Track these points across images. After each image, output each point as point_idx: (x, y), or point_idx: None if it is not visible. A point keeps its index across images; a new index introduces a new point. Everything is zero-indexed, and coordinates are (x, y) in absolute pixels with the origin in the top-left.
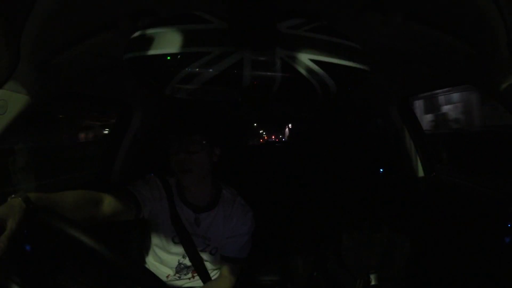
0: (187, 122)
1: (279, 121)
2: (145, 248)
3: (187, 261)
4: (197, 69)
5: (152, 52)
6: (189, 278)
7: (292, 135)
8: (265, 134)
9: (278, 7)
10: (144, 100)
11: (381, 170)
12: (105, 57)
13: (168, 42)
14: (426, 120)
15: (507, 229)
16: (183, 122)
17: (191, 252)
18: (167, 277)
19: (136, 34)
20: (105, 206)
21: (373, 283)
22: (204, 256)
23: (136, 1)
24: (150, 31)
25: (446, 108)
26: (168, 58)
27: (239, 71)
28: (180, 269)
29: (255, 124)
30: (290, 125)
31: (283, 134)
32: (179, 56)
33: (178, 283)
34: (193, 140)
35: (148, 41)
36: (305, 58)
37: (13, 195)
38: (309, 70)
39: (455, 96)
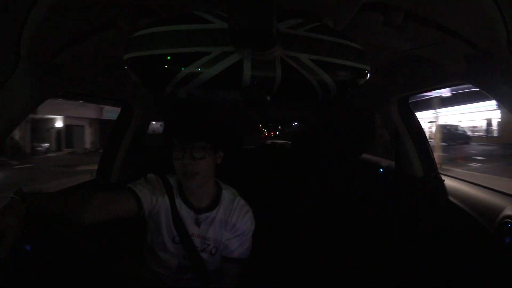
0: (192, 129)
1: (276, 123)
2: (145, 248)
3: (187, 261)
4: (197, 69)
5: (152, 52)
6: (189, 279)
7: (281, 132)
8: (265, 132)
9: (278, 7)
10: (144, 100)
11: (381, 170)
12: (105, 57)
13: (168, 42)
14: None
15: (507, 229)
16: (188, 129)
17: (191, 252)
18: (167, 277)
19: (136, 34)
20: (107, 205)
21: None
22: (204, 256)
23: (136, 1)
24: (150, 31)
25: None
26: (168, 58)
27: (239, 71)
28: (180, 269)
29: (260, 125)
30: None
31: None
32: (179, 56)
33: (178, 283)
34: (198, 146)
35: (148, 41)
36: (305, 58)
37: (13, 194)
38: (309, 70)
39: None
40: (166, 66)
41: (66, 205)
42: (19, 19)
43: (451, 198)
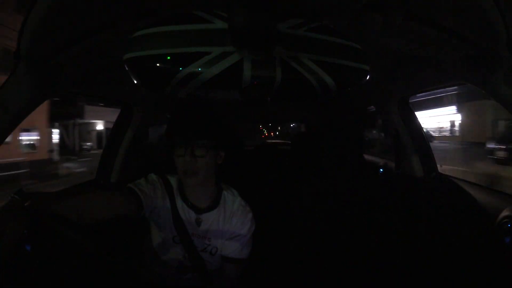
0: (194, 127)
1: (275, 123)
2: (145, 248)
3: (187, 261)
4: (197, 69)
5: (152, 52)
6: (189, 279)
7: (280, 133)
8: (265, 132)
9: (278, 7)
10: (144, 100)
11: (381, 170)
12: (105, 57)
13: (168, 42)
14: None
15: (507, 229)
16: (190, 127)
17: (191, 252)
18: (167, 277)
19: (136, 34)
20: (107, 205)
21: None
22: (204, 256)
23: (136, 1)
24: (150, 31)
25: None
26: (168, 58)
27: (239, 71)
28: (180, 269)
29: (260, 126)
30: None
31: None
32: (179, 56)
33: (178, 283)
34: (199, 144)
35: (148, 41)
36: (305, 58)
37: (14, 194)
38: (309, 70)
39: None
40: (166, 66)
41: (66, 205)
42: (19, 19)
43: (451, 198)
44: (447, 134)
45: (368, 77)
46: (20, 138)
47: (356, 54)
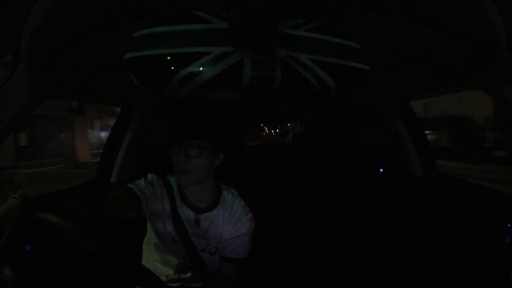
0: (188, 127)
1: (276, 122)
2: (145, 248)
3: (187, 261)
4: (197, 69)
5: (152, 52)
6: (189, 278)
7: (280, 131)
8: (266, 130)
9: (278, 7)
10: (144, 100)
11: (381, 170)
12: (105, 57)
13: (168, 42)
14: None
15: (507, 229)
16: (185, 126)
17: (191, 252)
18: (167, 276)
19: (136, 34)
20: (107, 206)
21: None
22: (204, 256)
23: (136, 1)
24: (150, 31)
25: None
26: (168, 58)
27: (239, 71)
28: (180, 269)
29: (261, 124)
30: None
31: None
32: (179, 56)
33: (178, 282)
34: (193, 145)
35: (148, 41)
36: (305, 58)
37: (13, 195)
38: (309, 70)
39: None
40: (166, 66)
41: (66, 206)
42: (19, 20)
43: (451, 198)
44: None
45: (368, 77)
46: None
47: (356, 54)
